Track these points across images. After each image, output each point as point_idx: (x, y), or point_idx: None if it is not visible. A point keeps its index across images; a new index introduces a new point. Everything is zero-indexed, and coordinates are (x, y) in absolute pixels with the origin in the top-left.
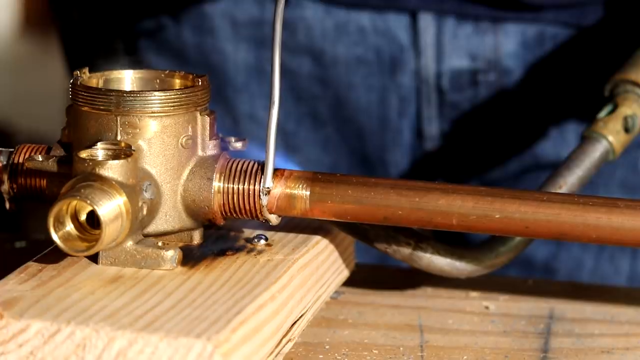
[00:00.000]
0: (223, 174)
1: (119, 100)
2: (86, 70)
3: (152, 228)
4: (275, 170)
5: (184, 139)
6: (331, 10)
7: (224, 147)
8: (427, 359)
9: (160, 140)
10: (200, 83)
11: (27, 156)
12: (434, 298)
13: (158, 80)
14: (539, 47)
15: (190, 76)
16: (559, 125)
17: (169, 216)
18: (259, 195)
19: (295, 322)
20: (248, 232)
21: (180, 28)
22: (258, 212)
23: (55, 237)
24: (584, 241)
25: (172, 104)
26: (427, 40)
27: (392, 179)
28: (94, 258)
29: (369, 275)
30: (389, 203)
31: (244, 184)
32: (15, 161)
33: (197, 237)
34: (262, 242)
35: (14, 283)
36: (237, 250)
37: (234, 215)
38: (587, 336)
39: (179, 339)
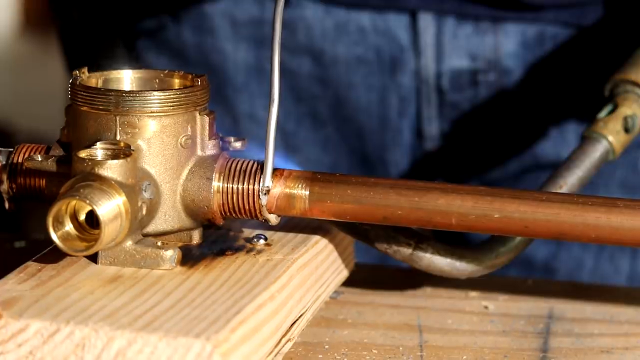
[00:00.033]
0: (222, 174)
1: (118, 100)
2: (85, 70)
3: (151, 228)
4: (275, 170)
5: (183, 139)
6: (331, 10)
7: (223, 146)
8: (426, 359)
9: (160, 140)
10: (199, 83)
11: (26, 156)
12: (434, 298)
13: (157, 80)
14: (539, 47)
15: (190, 76)
16: (559, 125)
17: (168, 216)
18: (259, 195)
19: (295, 321)
20: (247, 232)
21: (180, 28)
22: (257, 211)
23: (54, 236)
24: (584, 241)
25: (171, 104)
26: (427, 40)
27: (392, 178)
28: (93, 258)
29: (368, 275)
30: (388, 203)
31: (243, 184)
32: (15, 161)
33: (196, 237)
34: (262, 241)
35: (13, 283)
36: (237, 250)
37: (233, 215)
38: (587, 336)
39: (178, 339)
